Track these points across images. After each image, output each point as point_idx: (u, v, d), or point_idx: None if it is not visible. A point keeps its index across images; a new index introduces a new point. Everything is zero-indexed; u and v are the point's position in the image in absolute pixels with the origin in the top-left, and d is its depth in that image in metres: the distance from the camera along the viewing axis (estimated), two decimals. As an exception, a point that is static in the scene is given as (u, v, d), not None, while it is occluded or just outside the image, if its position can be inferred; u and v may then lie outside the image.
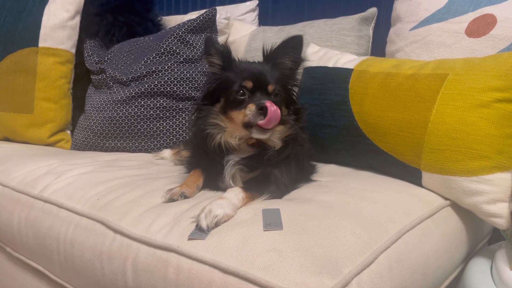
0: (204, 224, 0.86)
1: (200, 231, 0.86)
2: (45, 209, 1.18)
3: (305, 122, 1.17)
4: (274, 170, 1.09)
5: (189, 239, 0.86)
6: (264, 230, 0.83)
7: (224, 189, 1.05)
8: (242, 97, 1.05)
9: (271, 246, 0.78)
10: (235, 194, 0.97)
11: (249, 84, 1.05)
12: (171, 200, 1.02)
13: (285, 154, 1.09)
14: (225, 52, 1.13)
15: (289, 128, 1.10)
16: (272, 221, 0.86)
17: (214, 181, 1.12)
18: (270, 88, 1.06)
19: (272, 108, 0.97)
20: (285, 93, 1.13)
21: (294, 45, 1.13)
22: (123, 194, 1.10)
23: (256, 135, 1.03)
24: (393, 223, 0.94)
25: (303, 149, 1.18)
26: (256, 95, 1.05)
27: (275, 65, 1.12)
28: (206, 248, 0.82)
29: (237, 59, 1.15)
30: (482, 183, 1.07)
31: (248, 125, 1.03)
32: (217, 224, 0.87)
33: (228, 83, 1.08)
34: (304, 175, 1.23)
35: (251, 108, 1.01)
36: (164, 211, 0.98)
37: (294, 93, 1.17)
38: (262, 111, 0.99)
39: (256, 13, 2.40)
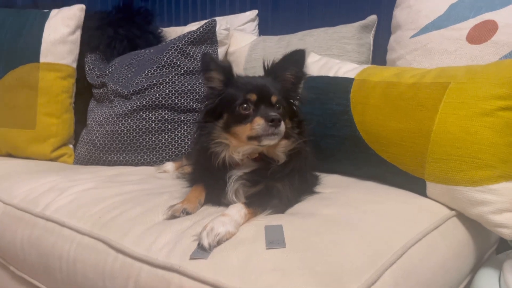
0: (206, 243, 0.85)
1: (202, 250, 0.85)
2: (47, 228, 1.17)
3: (309, 135, 1.15)
4: (276, 183, 1.08)
5: (191, 258, 0.85)
6: (267, 248, 0.82)
7: (226, 205, 1.04)
8: (247, 111, 1.04)
9: (274, 265, 0.77)
10: (237, 210, 0.96)
11: (253, 97, 1.03)
12: (173, 217, 1.01)
13: (289, 169, 1.08)
14: (226, 67, 1.12)
15: (293, 142, 1.09)
16: (274, 239, 0.85)
17: (216, 196, 1.11)
18: (274, 99, 1.05)
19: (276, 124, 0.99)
20: (288, 105, 1.12)
21: (296, 59, 1.12)
22: (125, 211, 1.10)
23: (266, 141, 1.01)
24: (398, 236, 0.93)
25: (306, 161, 1.17)
26: (260, 107, 1.03)
27: (276, 78, 1.11)
28: (208, 268, 0.81)
29: (236, 75, 1.14)
30: (487, 193, 1.05)
31: (255, 138, 1.02)
32: (219, 243, 0.86)
33: (230, 98, 1.06)
34: (307, 187, 1.22)
35: (259, 122, 1.00)
36: (166, 228, 0.97)
37: (296, 107, 1.16)
38: (273, 123, 0.98)
39: (256, 23, 2.39)
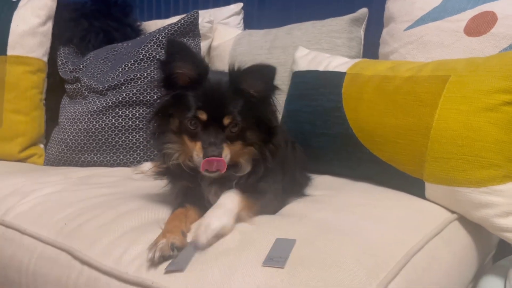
0: (204, 240, 0.77)
1: (178, 262, 0.74)
2: (6, 236, 1.05)
3: (279, 140, 1.01)
4: (260, 182, 0.98)
5: (166, 272, 0.74)
6: (263, 265, 0.71)
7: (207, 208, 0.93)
8: (194, 129, 0.91)
9: (262, 280, 0.67)
10: (230, 199, 0.89)
11: (203, 116, 0.90)
12: (162, 259, 0.78)
13: (257, 176, 0.97)
14: (202, 66, 0.95)
15: (257, 148, 0.97)
16: (277, 255, 0.73)
17: (196, 198, 1.00)
18: (226, 121, 0.91)
19: (214, 163, 0.87)
20: (250, 118, 0.95)
21: (264, 75, 0.94)
22: (94, 217, 0.98)
23: (205, 173, 0.90)
24: (399, 244, 0.84)
25: (291, 159, 1.09)
26: (209, 129, 0.90)
27: (239, 90, 0.93)
28: (185, 284, 0.70)
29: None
30: (492, 194, 0.98)
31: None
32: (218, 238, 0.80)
33: (183, 105, 0.92)
34: (297, 188, 1.13)
35: (198, 153, 0.89)
36: (138, 238, 0.86)
37: (266, 114, 0.98)
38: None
39: (241, 16, 2.31)
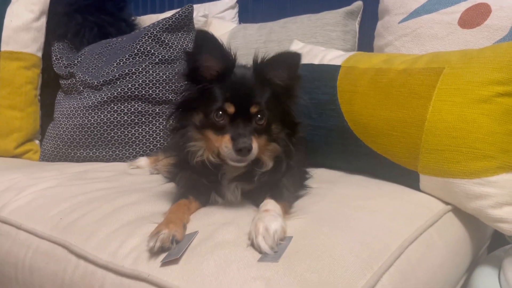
0: (266, 248, 0.72)
1: (174, 252, 0.74)
2: (2, 231, 1.05)
3: (302, 137, 1.03)
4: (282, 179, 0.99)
5: (162, 264, 0.74)
6: (258, 261, 0.71)
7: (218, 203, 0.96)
8: (221, 122, 0.90)
9: (257, 272, 0.67)
10: (273, 205, 0.86)
11: (230, 108, 0.89)
12: (161, 249, 0.77)
13: (279, 173, 0.97)
14: (229, 60, 0.93)
15: (281, 145, 0.97)
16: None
17: (204, 194, 1.00)
18: (253, 110, 0.90)
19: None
20: (275, 110, 0.95)
21: (289, 63, 0.95)
22: (90, 212, 0.98)
23: (233, 163, 0.90)
24: (393, 235, 0.84)
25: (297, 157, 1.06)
26: (236, 121, 0.89)
27: (264, 80, 0.94)
28: (181, 276, 0.71)
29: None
30: (486, 186, 0.98)
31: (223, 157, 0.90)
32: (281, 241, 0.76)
33: (210, 98, 0.91)
34: (302, 183, 1.13)
35: (227, 145, 0.87)
36: (134, 231, 0.86)
37: (290, 109, 0.99)
38: (241, 152, 0.86)
39: (235, 10, 2.30)
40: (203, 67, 0.92)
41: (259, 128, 0.91)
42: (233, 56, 0.95)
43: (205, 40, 0.91)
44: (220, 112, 0.89)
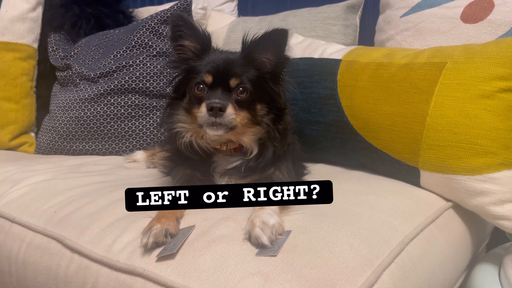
0: (265, 239, 0.71)
1: (170, 246, 0.73)
2: (-5, 224, 1.03)
3: (290, 123, 1.01)
4: (275, 172, 0.97)
5: (158, 259, 0.72)
6: (257, 255, 0.70)
7: None
8: (200, 94, 0.91)
9: (255, 268, 0.66)
10: None
11: (208, 78, 0.90)
12: (156, 245, 0.76)
13: (266, 159, 0.95)
14: (204, 37, 0.97)
15: (264, 128, 0.95)
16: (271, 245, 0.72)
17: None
18: (233, 82, 0.90)
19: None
20: (263, 90, 0.95)
21: (276, 40, 0.93)
22: (84, 205, 0.96)
23: (210, 131, 0.89)
24: (394, 231, 0.83)
25: (293, 149, 1.05)
26: (215, 91, 0.90)
27: (251, 58, 0.94)
28: (177, 271, 0.69)
29: (214, 47, 0.99)
30: (487, 182, 0.97)
31: (201, 126, 0.90)
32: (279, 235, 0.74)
33: (192, 75, 0.93)
34: (298, 178, 1.11)
35: (202, 110, 0.88)
36: (129, 225, 0.84)
37: (275, 92, 0.97)
38: (212, 112, 0.85)
39: (235, 3, 2.28)
40: (185, 48, 0.96)
41: (241, 100, 0.91)
42: (207, 34, 0.98)
43: (178, 21, 0.95)
44: (201, 86, 0.91)
